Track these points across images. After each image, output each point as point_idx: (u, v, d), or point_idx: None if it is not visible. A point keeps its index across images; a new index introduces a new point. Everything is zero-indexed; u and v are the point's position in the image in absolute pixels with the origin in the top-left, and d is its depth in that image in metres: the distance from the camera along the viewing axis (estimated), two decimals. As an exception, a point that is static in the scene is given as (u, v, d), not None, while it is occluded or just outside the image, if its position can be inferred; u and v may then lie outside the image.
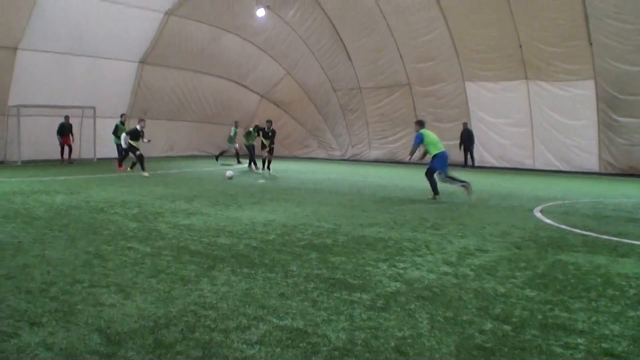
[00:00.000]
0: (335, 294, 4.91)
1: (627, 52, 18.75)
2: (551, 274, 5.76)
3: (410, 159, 13.49)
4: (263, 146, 20.53)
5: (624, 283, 5.44)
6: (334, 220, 9.03)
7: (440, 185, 12.61)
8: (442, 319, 4.30)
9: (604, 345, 3.82)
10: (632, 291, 5.17)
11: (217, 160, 25.49)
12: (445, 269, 5.88)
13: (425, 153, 12.97)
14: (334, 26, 25.50)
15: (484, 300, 4.80)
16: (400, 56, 24.52)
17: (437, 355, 3.60)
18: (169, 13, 24.64)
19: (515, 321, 4.28)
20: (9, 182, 15.20)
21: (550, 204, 11.71)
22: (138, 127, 18.02)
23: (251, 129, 22.78)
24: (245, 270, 5.71)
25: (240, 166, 22.89)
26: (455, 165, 23.60)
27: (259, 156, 21.22)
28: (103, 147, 24.83)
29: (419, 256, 6.46)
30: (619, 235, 8.05)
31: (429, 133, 12.87)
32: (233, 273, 5.59)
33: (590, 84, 19.91)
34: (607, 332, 4.08)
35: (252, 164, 21.45)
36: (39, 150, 24.02)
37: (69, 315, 4.31)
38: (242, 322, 4.15)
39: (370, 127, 27.47)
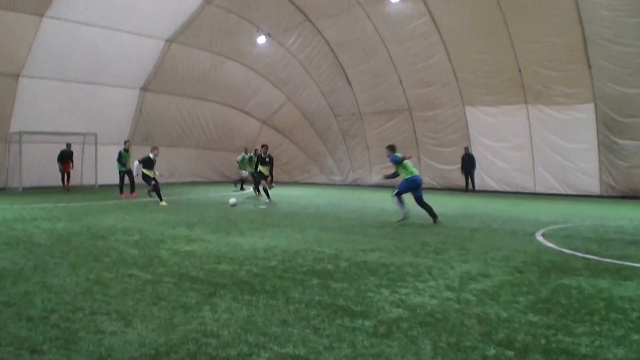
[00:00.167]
0: (337, 321, 4.87)
1: (626, 75, 18.87)
2: (554, 298, 5.72)
3: (385, 178, 13.72)
4: (260, 175, 19.36)
5: (627, 306, 5.40)
6: (335, 246, 9.00)
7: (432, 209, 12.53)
8: (445, 345, 4.26)
9: (608, 370, 3.78)
10: (635, 314, 5.14)
11: (236, 186, 25.32)
12: (448, 294, 5.85)
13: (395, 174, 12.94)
14: (334, 52, 25.75)
15: (486, 326, 4.76)
16: (400, 81, 24.70)
17: (440, 382, 3.57)
18: (170, 40, 24.92)
19: (519, 346, 4.24)
20: (10, 209, 15.22)
21: (551, 227, 11.67)
22: (151, 155, 16.95)
23: (252, 154, 22.87)
24: (247, 297, 5.69)
25: (240, 192, 22.86)
26: (457, 190, 23.70)
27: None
28: (104, 173, 24.91)
29: (421, 282, 6.43)
30: (622, 258, 8.01)
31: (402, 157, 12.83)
32: (234, 300, 5.56)
33: (590, 107, 20.00)
34: (610, 356, 4.05)
35: (257, 190, 21.32)
36: (41, 177, 24.15)
37: (70, 342, 4.28)
38: (243, 350, 4.12)
39: (370, 152, 27.55)
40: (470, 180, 23.52)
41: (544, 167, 21.73)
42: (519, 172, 22.50)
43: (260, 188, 19.70)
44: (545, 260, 7.81)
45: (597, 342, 4.35)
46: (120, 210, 15.25)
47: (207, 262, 7.55)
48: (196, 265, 7.37)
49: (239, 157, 24.58)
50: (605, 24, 18.37)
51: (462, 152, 23.49)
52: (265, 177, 18.99)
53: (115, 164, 20.41)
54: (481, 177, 23.54)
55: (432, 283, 6.36)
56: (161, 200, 16.72)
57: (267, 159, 19.07)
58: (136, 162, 17.08)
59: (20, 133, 22.97)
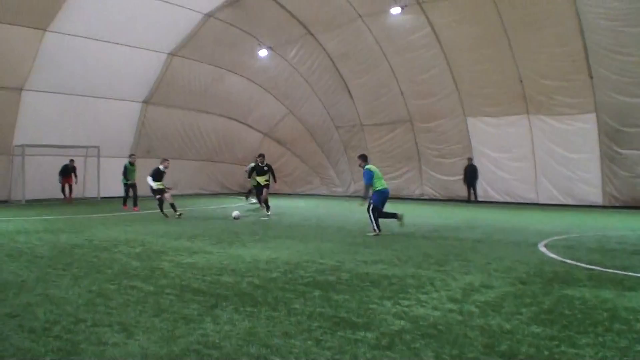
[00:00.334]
0: (339, 333, 4.86)
1: (627, 85, 18.84)
2: (557, 309, 5.69)
3: (364, 200, 12.94)
4: (258, 187, 18.41)
5: (630, 317, 5.37)
6: (337, 257, 8.99)
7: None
8: (447, 357, 4.25)
9: (612, 381, 3.76)
10: (639, 325, 5.11)
11: (247, 199, 24.93)
12: (450, 306, 5.83)
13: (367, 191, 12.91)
14: (335, 65, 25.83)
15: (489, 337, 4.74)
16: (401, 93, 24.73)
17: (443, 394, 3.55)
18: (172, 54, 25.05)
19: (522, 358, 4.23)
20: (14, 221, 15.25)
21: (554, 238, 11.64)
22: (161, 167, 16.75)
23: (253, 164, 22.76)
24: (249, 308, 5.68)
25: (248, 204, 22.76)
26: (459, 201, 23.68)
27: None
28: (107, 186, 24.97)
29: (424, 293, 6.41)
30: (625, 268, 7.98)
31: (375, 168, 13.03)
32: (236, 311, 5.55)
33: (592, 117, 19.98)
34: (615, 368, 4.03)
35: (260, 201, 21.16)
36: (43, 190, 24.22)
37: (72, 354, 4.29)
38: (245, 362, 4.11)
39: (372, 164, 27.49)
40: (472, 191, 23.49)
41: (546, 178, 21.69)
42: (521, 183, 22.45)
43: (261, 200, 18.63)
44: (548, 271, 7.79)
45: (601, 354, 4.33)
46: (122, 222, 15.26)
47: (209, 274, 7.55)
48: (198, 277, 7.36)
49: (248, 168, 24.00)
50: (606, 34, 18.39)
51: (464, 163, 23.49)
52: (262, 189, 18.11)
53: (120, 177, 20.27)
54: (483, 188, 23.50)
55: (434, 295, 6.34)
56: (175, 211, 16.49)
57: (266, 168, 18.22)
58: (148, 178, 16.62)
59: (23, 146, 23.08)
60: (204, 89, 27.97)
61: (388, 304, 5.89)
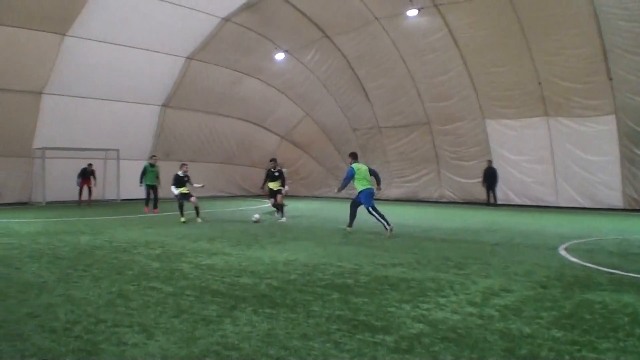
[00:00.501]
0: (358, 336, 4.85)
1: (647, 86, 18.67)
2: (578, 313, 5.64)
3: (338, 191, 14.14)
4: (271, 192, 17.48)
5: (653, 322, 5.31)
6: (355, 260, 8.97)
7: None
8: (467, 360, 4.23)
9: (635, 386, 3.72)
10: (662, 331, 5.05)
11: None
12: (470, 309, 5.79)
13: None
14: (352, 67, 25.80)
15: (509, 342, 4.71)
16: (419, 95, 24.64)
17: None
18: (190, 58, 25.20)
19: (543, 362, 4.20)
20: (34, 223, 15.43)
21: (574, 241, 11.53)
22: (180, 172, 16.29)
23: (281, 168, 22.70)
24: (267, 310, 5.69)
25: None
26: (478, 204, 23.53)
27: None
28: (127, 188, 25.19)
29: (443, 297, 6.38)
30: (647, 273, 7.90)
31: (360, 168, 13.36)
32: (255, 313, 5.57)
33: (612, 119, 19.76)
34: (638, 373, 3.98)
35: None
36: (63, 192, 24.50)
37: (92, 354, 4.33)
38: (264, 363, 4.12)
39: (390, 166, 27.46)
40: (492, 194, 23.34)
41: (566, 180, 21.48)
42: (541, 186, 22.26)
43: (276, 205, 17.77)
44: (569, 275, 7.71)
45: (622, 359, 4.28)
46: (142, 224, 15.38)
47: (228, 276, 7.58)
48: (217, 278, 7.40)
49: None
50: (625, 35, 18.16)
51: (483, 165, 23.33)
52: (276, 194, 17.33)
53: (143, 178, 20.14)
54: (502, 191, 23.33)
55: (453, 298, 6.31)
56: (182, 216, 15.99)
57: (277, 174, 17.51)
58: (172, 187, 16.25)
59: (43, 149, 23.39)
60: (221, 92, 28.10)
61: (407, 307, 5.87)
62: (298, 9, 23.17)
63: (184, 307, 5.82)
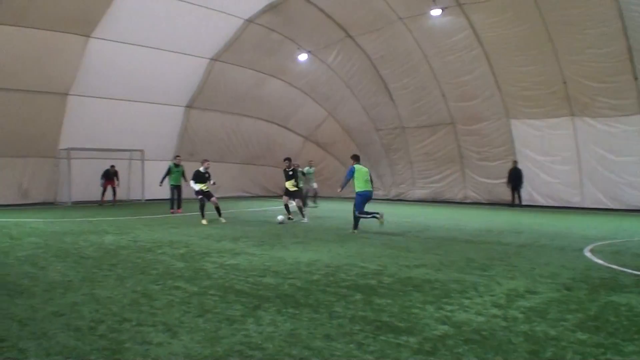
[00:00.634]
0: (381, 337, 4.83)
1: (674, 86, 18.33)
2: (603, 316, 5.55)
3: (340, 190, 14.58)
4: (286, 191, 17.34)
5: (683, 326, 5.21)
6: (378, 261, 8.95)
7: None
8: (492, 363, 4.19)
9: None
10: (692, 334, 4.95)
11: (307, 205, 23.43)
12: (494, 311, 5.74)
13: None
14: (375, 67, 25.73)
15: (534, 344, 4.65)
16: (443, 95, 24.49)
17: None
18: (214, 59, 25.36)
19: (569, 365, 4.14)
20: (60, 223, 15.64)
21: (600, 243, 11.36)
22: (201, 168, 16.26)
23: (308, 167, 22.68)
24: (290, 310, 5.70)
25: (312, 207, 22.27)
26: (503, 204, 23.30)
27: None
28: (151, 188, 25.41)
29: (467, 298, 6.32)
30: (676, 275, 7.75)
31: (360, 169, 13.66)
32: (278, 313, 5.58)
33: (637, 119, 19.40)
34: (667, 377, 3.91)
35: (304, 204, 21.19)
36: (89, 192, 24.80)
37: (116, 353, 4.37)
38: (287, 364, 4.13)
39: (414, 167, 27.34)
40: (517, 195, 23.09)
41: (592, 181, 21.16)
42: (566, 187, 21.96)
43: (291, 205, 17.75)
44: (594, 277, 7.60)
45: (652, 362, 4.21)
46: (166, 224, 15.51)
47: (252, 275, 7.61)
48: (241, 278, 7.44)
49: (305, 170, 23.54)
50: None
51: (508, 166, 23.09)
52: (291, 194, 17.20)
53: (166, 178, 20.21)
54: (527, 192, 23.05)
55: (478, 300, 6.25)
56: (203, 218, 15.84)
57: (291, 173, 17.21)
58: (191, 182, 16.36)
59: (68, 150, 23.71)
60: (245, 93, 28.23)
61: (431, 308, 5.84)
62: (321, 9, 23.18)
63: (207, 306, 5.86)
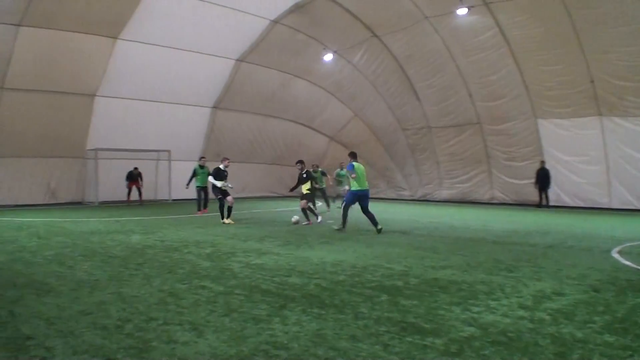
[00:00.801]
0: (407, 338, 4.82)
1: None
2: (631, 318, 5.46)
3: (348, 189, 14.58)
4: (303, 196, 16.69)
5: None
6: (404, 262, 8.91)
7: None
8: (519, 365, 4.15)
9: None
10: None
11: (334, 202, 23.41)
12: (521, 313, 5.67)
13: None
14: (402, 67, 25.62)
15: (561, 346, 4.60)
16: (470, 95, 24.29)
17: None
18: (240, 60, 25.51)
19: (598, 369, 4.08)
20: (87, 222, 15.89)
21: (628, 244, 11.16)
22: (221, 166, 16.33)
23: (339, 169, 22.64)
24: (316, 310, 5.71)
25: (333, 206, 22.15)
26: (530, 205, 23.03)
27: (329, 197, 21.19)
28: (178, 188, 25.62)
29: (494, 300, 6.27)
30: None
31: (359, 167, 13.63)
32: (304, 313, 5.60)
33: (666, 118, 19.10)
34: (699, 382, 3.83)
35: (327, 205, 21.22)
36: (115, 192, 25.17)
37: (143, 351, 4.42)
38: (313, 364, 4.14)
39: (440, 167, 27.17)
40: (544, 196, 22.80)
41: (620, 182, 20.79)
42: (594, 187, 21.60)
43: (308, 207, 16.90)
44: (622, 279, 7.48)
45: (683, 366, 4.13)
46: (192, 224, 15.65)
47: (278, 275, 7.64)
48: (267, 277, 7.47)
49: (335, 172, 23.43)
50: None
51: (535, 166, 22.80)
52: (306, 197, 16.62)
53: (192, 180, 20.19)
54: (554, 192, 22.74)
55: (504, 301, 6.19)
56: (222, 218, 15.94)
57: (305, 175, 16.72)
58: (210, 177, 16.51)
59: (96, 150, 24.08)
60: (271, 93, 28.37)
61: (457, 310, 5.80)
62: (346, 9, 23.17)
63: (233, 306, 5.90)
